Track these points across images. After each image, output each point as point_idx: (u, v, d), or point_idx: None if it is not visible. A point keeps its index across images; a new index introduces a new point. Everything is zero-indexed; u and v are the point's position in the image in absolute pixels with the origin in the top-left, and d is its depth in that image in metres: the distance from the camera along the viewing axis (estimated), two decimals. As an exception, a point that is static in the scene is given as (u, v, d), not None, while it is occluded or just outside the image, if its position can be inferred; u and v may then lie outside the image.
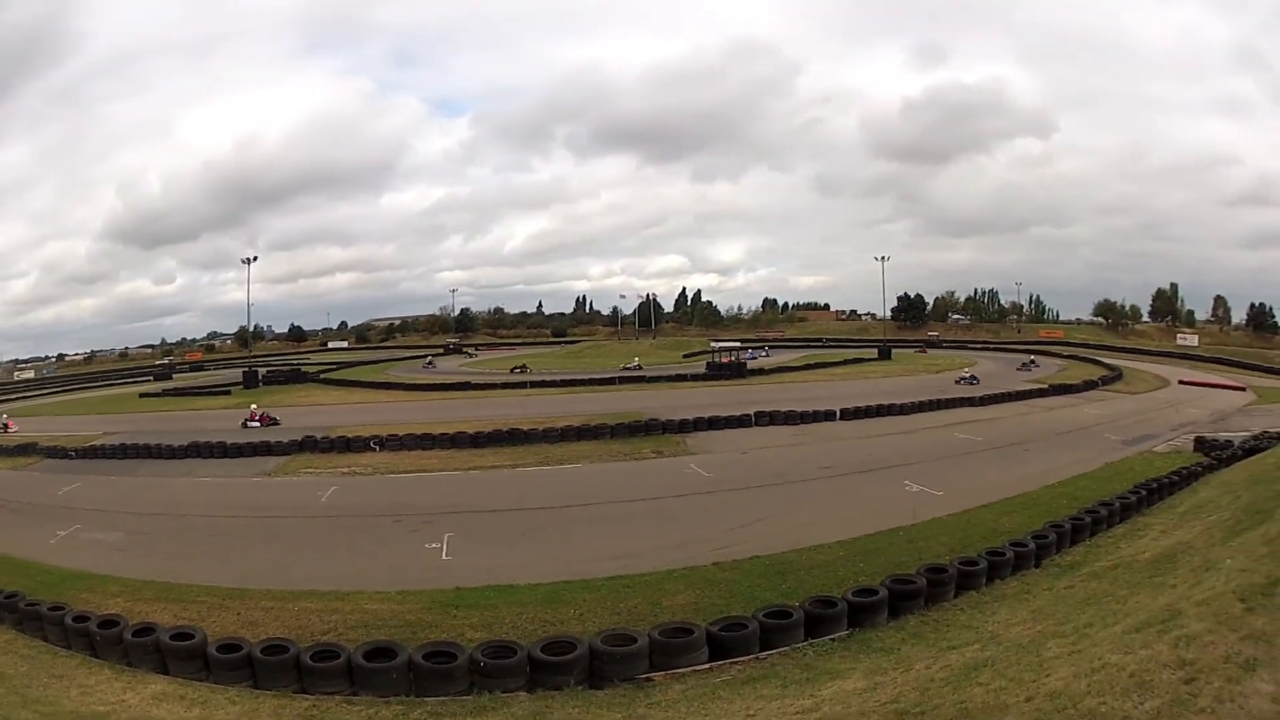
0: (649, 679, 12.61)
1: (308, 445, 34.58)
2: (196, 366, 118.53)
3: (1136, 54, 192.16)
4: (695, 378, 67.66)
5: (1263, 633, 7.95)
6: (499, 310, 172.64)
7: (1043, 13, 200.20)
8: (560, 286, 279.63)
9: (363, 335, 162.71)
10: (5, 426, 48.54)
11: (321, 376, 77.00)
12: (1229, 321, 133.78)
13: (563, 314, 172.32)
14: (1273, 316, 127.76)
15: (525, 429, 36.36)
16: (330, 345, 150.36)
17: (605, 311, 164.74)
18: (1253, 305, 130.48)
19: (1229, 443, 31.89)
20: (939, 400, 47.34)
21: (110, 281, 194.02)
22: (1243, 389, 61.16)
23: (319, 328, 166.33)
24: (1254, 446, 29.98)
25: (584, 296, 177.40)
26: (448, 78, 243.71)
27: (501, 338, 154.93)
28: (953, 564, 16.65)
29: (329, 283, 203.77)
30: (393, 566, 18.90)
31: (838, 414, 42.50)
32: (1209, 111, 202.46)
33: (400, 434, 35.37)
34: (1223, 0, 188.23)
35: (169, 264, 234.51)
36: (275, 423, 44.81)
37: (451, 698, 12.04)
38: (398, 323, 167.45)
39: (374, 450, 34.00)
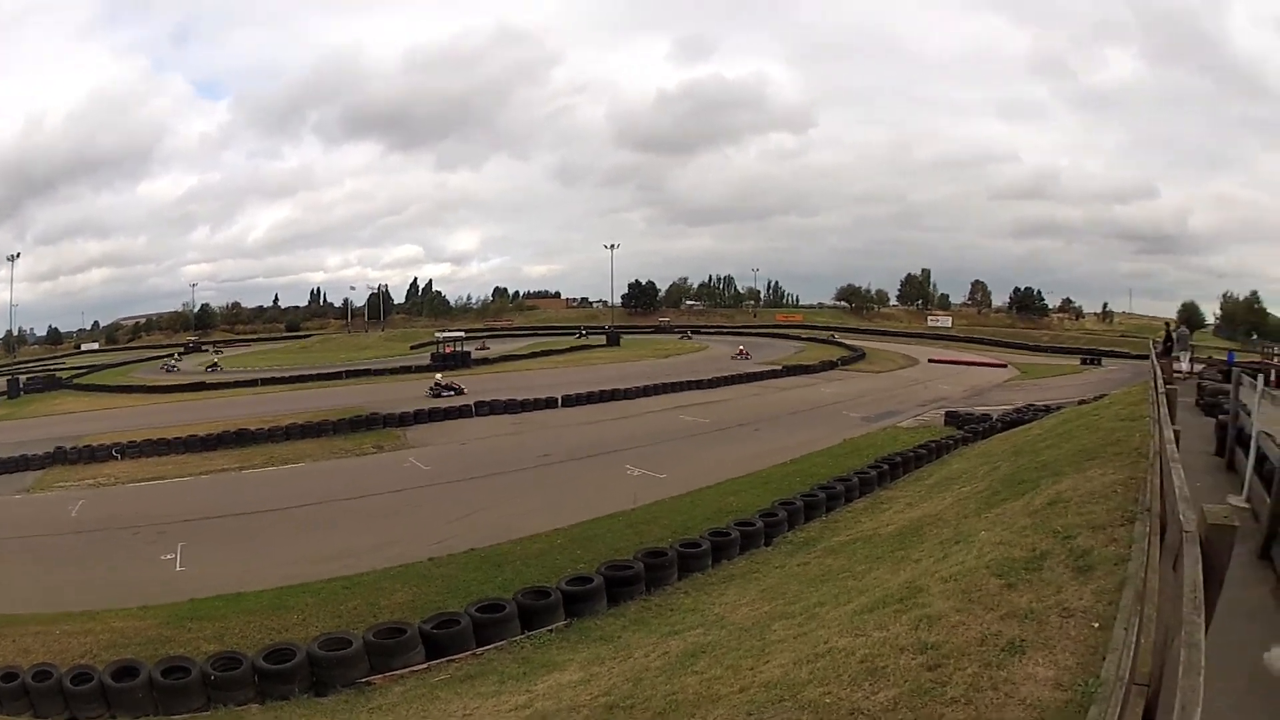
0: (369, 682, 12.97)
1: (59, 457, 34.09)
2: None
3: (918, 58, 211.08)
4: (420, 369, 68.82)
5: (1030, 611, 7.39)
6: (236, 305, 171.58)
7: (820, 15, 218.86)
8: (298, 279, 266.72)
9: (111, 336, 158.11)
10: None
11: (74, 382, 75.77)
12: (989, 304, 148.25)
13: (297, 307, 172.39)
14: (1040, 300, 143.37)
15: (253, 429, 37.08)
16: (84, 348, 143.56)
17: (339, 304, 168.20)
18: (1016, 289, 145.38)
19: (986, 416, 34.06)
20: (664, 384, 49.62)
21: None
22: (1003, 365, 67.56)
23: (75, 329, 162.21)
24: (1016, 419, 32.11)
25: (319, 289, 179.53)
26: (220, 56, 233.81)
27: (239, 333, 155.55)
28: (673, 546, 17.18)
29: (84, 279, 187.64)
30: (133, 581, 18.70)
31: (559, 401, 44.23)
32: (990, 113, 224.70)
33: (139, 440, 35.66)
34: (1031, 13, 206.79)
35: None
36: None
37: (191, 714, 12.33)
38: (144, 321, 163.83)
39: (117, 459, 34.04)
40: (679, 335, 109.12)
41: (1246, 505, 9.69)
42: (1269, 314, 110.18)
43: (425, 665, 13.33)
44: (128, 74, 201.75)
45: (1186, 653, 2.77)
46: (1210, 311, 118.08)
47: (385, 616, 15.09)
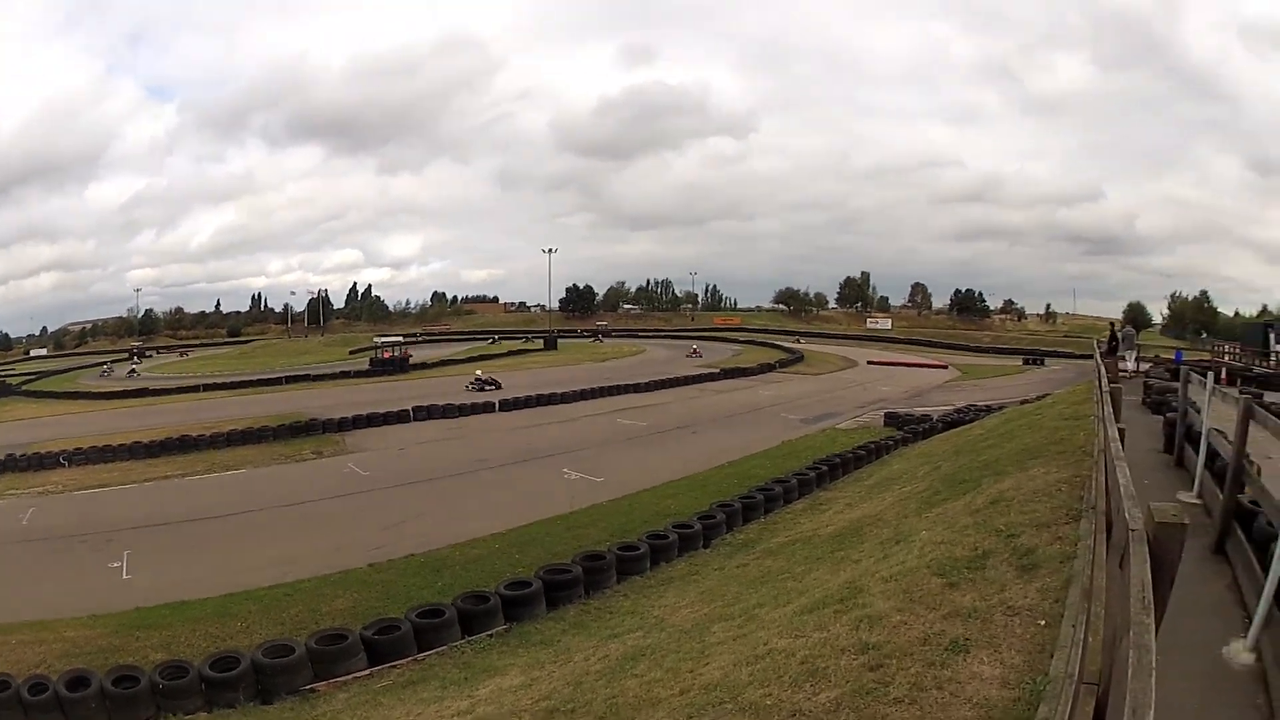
0: (314, 689, 13.11)
1: (9, 465, 34.31)
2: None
3: (864, 65, 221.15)
4: (359, 374, 71.55)
5: (974, 610, 7.33)
6: (179, 310, 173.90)
7: (765, 20, 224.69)
8: (240, 284, 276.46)
9: (59, 341, 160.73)
10: None
11: (23, 389, 77.74)
12: (929, 307, 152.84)
13: (239, 313, 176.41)
14: (982, 301, 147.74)
15: (195, 435, 37.26)
16: (32, 354, 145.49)
17: (280, 309, 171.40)
18: (957, 291, 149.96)
19: (926, 417, 34.57)
20: (602, 387, 50.41)
21: None
22: (944, 366, 69.17)
23: (24, 334, 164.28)
24: (957, 419, 32.61)
25: (260, 294, 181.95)
26: (166, 62, 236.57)
27: (182, 339, 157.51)
28: (611, 549, 17.37)
29: (34, 284, 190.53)
30: (82, 590, 18.63)
31: (496, 405, 44.82)
32: (934, 119, 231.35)
33: (85, 447, 36.06)
34: (978, 21, 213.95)
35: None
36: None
37: (143, 723, 12.55)
38: (89, 326, 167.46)
39: (64, 466, 34.29)
40: (591, 338, 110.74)
41: (1198, 501, 9.85)
42: (1219, 313, 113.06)
43: (368, 671, 13.49)
44: (79, 78, 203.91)
45: (1136, 654, 2.71)
46: (1158, 311, 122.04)
47: (327, 623, 15.19)
